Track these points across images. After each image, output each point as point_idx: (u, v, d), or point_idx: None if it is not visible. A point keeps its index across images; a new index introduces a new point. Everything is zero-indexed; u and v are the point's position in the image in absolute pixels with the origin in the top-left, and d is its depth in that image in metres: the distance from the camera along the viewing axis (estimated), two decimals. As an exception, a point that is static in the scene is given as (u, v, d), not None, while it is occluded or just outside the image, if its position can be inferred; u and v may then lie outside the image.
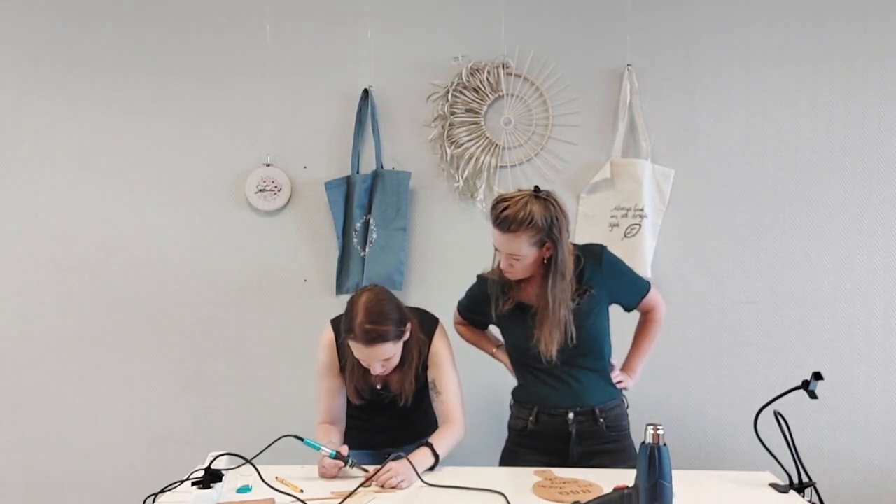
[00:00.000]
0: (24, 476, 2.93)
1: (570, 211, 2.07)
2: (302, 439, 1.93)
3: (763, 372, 2.85)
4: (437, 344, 2.10)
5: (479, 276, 2.22)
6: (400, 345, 1.99)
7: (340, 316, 2.12)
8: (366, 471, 1.92)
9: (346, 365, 2.07)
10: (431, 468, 1.98)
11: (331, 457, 1.91)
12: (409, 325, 2.01)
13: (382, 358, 1.96)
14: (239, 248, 2.91)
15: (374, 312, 1.93)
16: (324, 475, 1.93)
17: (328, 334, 2.12)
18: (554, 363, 2.05)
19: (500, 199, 1.97)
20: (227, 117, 2.90)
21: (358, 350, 1.95)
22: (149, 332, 2.92)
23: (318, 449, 1.92)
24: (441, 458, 2.00)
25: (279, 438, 1.90)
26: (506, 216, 1.93)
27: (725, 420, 2.86)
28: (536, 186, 2.00)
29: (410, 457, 1.95)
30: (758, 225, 2.84)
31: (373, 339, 1.91)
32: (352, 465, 1.92)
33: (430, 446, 1.99)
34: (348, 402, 2.15)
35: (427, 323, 2.10)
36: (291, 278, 2.91)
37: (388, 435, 2.17)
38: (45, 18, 2.89)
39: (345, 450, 1.94)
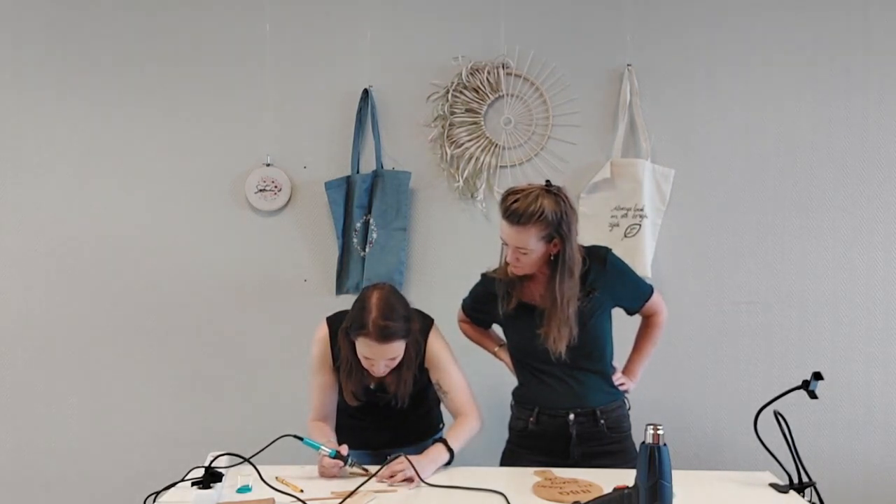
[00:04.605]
0: (23, 476, 2.93)
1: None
2: (301, 439, 1.93)
3: (763, 372, 2.85)
4: (434, 344, 2.09)
5: (483, 275, 2.22)
6: (405, 344, 1.99)
7: (338, 313, 2.12)
8: (366, 471, 1.92)
9: (341, 365, 2.06)
10: (448, 463, 1.98)
11: (330, 456, 1.91)
12: (415, 324, 2.02)
13: (391, 356, 1.96)
14: (239, 248, 2.91)
15: (388, 309, 1.92)
16: (323, 475, 1.93)
17: (323, 330, 2.11)
18: (563, 360, 2.04)
19: (511, 192, 1.97)
20: (227, 117, 2.90)
21: (368, 348, 1.94)
22: (149, 331, 2.92)
23: (318, 448, 1.92)
24: (456, 452, 1.99)
25: (278, 438, 1.90)
26: (515, 209, 1.93)
27: (725, 420, 2.86)
28: (548, 181, 2.00)
29: (425, 453, 1.96)
30: (758, 225, 2.84)
31: (387, 335, 1.91)
32: (351, 465, 1.92)
33: (445, 442, 1.99)
34: (347, 402, 2.15)
35: (422, 323, 2.10)
36: (291, 278, 2.91)
37: (388, 435, 2.16)
38: (45, 19, 2.88)
39: (344, 449, 1.94)
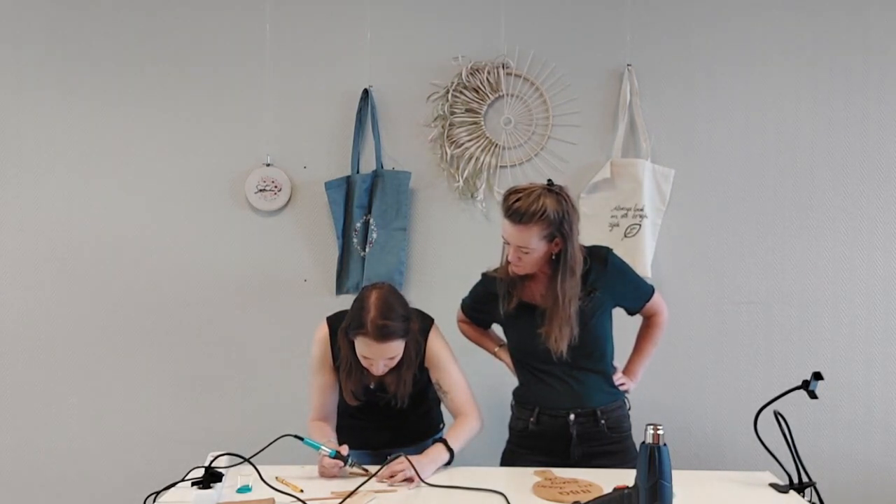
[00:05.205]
0: (23, 476, 2.93)
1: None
2: (302, 439, 1.93)
3: (763, 372, 2.85)
4: (434, 344, 2.09)
5: (483, 275, 2.22)
6: (404, 343, 1.99)
7: (338, 313, 2.12)
8: (366, 471, 1.92)
9: (341, 364, 2.06)
10: (448, 464, 1.98)
11: (330, 456, 1.91)
12: (414, 324, 2.02)
13: (390, 356, 1.96)
14: (239, 248, 2.91)
15: (386, 308, 1.93)
16: (323, 475, 1.93)
17: (323, 330, 2.11)
18: (563, 360, 2.04)
19: (513, 191, 1.97)
20: (227, 117, 2.90)
21: (367, 347, 1.94)
22: (149, 331, 2.92)
23: (318, 448, 1.92)
24: (456, 452, 1.99)
25: (278, 438, 1.90)
26: (517, 208, 1.93)
27: (725, 420, 2.86)
28: (550, 180, 2.00)
29: (425, 453, 1.96)
30: (758, 225, 2.84)
31: (385, 335, 1.91)
32: (351, 465, 1.92)
33: (445, 442, 1.99)
34: (347, 402, 2.15)
35: (422, 323, 2.10)
36: (291, 278, 2.91)
37: (388, 435, 2.16)
38: (46, 19, 2.88)
39: (345, 449, 1.94)
